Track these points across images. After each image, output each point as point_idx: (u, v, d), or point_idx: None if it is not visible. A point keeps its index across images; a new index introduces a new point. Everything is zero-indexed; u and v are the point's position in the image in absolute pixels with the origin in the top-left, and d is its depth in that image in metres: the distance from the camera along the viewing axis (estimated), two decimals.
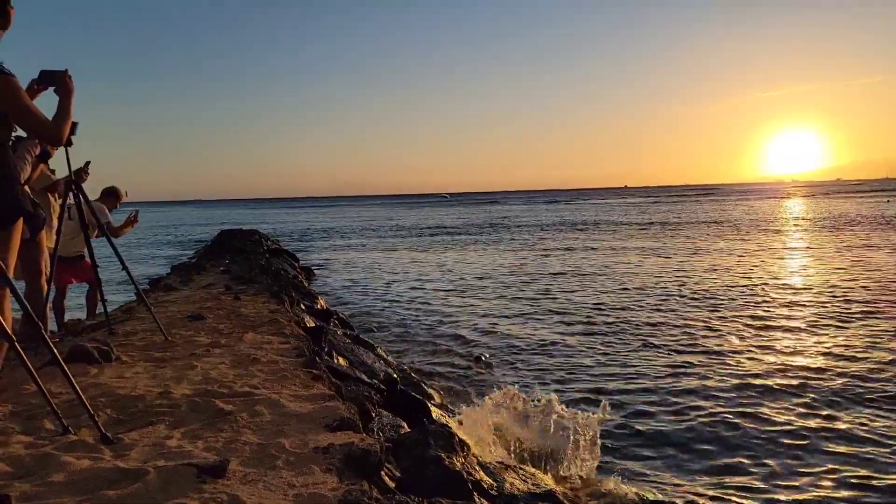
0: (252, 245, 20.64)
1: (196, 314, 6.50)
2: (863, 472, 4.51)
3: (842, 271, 14.24)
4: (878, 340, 7.97)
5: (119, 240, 6.37)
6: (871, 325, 8.85)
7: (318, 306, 9.80)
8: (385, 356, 7.32)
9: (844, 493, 4.23)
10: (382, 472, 2.81)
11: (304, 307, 8.53)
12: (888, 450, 4.86)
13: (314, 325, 6.98)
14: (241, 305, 7.26)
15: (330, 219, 61.37)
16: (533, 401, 5.06)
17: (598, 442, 4.64)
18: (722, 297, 11.34)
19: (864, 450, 4.89)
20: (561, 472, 4.46)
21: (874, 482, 4.35)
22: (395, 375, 6.11)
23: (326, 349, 5.81)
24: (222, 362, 4.55)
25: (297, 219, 64.72)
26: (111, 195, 7.09)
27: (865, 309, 9.92)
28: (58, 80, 3.25)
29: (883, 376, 6.58)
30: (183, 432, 3.09)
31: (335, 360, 5.67)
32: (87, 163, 5.46)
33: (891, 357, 7.21)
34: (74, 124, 3.96)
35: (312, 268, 18.94)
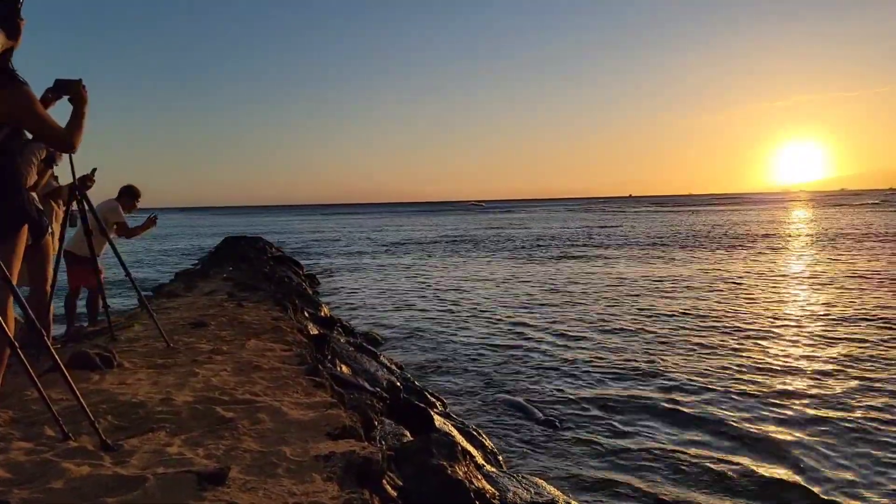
0: (256, 252, 20.67)
1: (198, 321, 6.49)
2: None
3: None
4: None
5: (124, 246, 6.37)
6: None
7: (322, 314, 9.79)
8: (388, 364, 7.30)
9: None
10: (384, 481, 2.78)
11: (307, 315, 8.52)
12: None
13: (317, 332, 6.96)
14: (244, 312, 7.25)
15: (340, 226, 61.26)
16: None
17: None
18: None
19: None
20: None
21: None
22: (397, 383, 6.10)
23: (329, 357, 5.80)
24: (224, 369, 4.54)
25: (316, 226, 64.53)
26: (129, 195, 6.90)
27: None
28: (73, 90, 3.26)
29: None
30: (184, 439, 3.08)
31: (338, 368, 5.65)
32: (94, 170, 5.46)
33: None
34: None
35: (317, 275, 18.94)
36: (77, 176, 4.88)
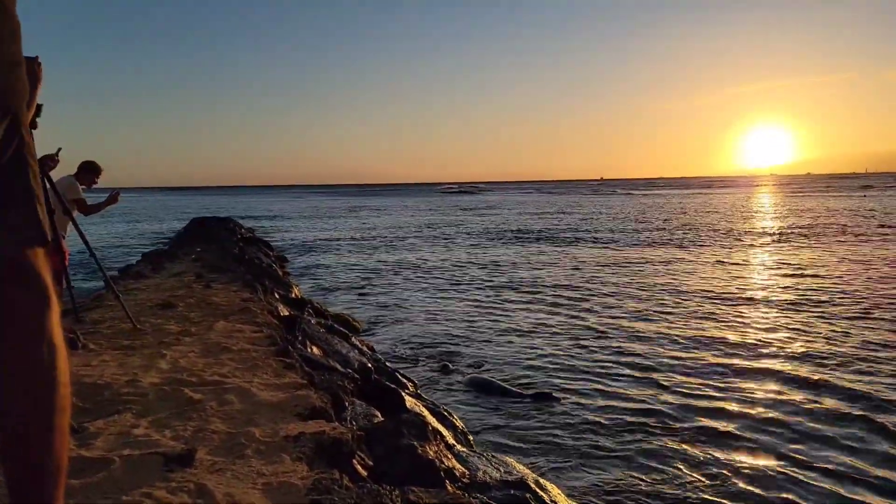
0: (226, 233, 20.38)
1: (166, 302, 6.40)
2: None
3: None
4: None
5: (90, 226, 6.22)
6: None
7: (293, 295, 9.71)
8: (360, 346, 7.28)
9: None
10: (354, 461, 2.79)
11: (278, 296, 8.43)
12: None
13: (288, 313, 6.90)
14: (213, 294, 7.16)
15: (314, 207, 60.56)
16: None
17: None
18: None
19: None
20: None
21: None
22: (369, 365, 6.09)
23: (300, 338, 5.76)
24: (192, 351, 4.48)
25: (293, 206, 63.55)
26: (87, 171, 6.75)
27: None
28: (29, 68, 3.14)
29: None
30: (150, 421, 3.04)
31: (309, 349, 5.62)
32: (59, 150, 5.29)
33: None
34: (39, 106, 3.84)
35: (289, 256, 18.76)
36: (39, 155, 4.73)
